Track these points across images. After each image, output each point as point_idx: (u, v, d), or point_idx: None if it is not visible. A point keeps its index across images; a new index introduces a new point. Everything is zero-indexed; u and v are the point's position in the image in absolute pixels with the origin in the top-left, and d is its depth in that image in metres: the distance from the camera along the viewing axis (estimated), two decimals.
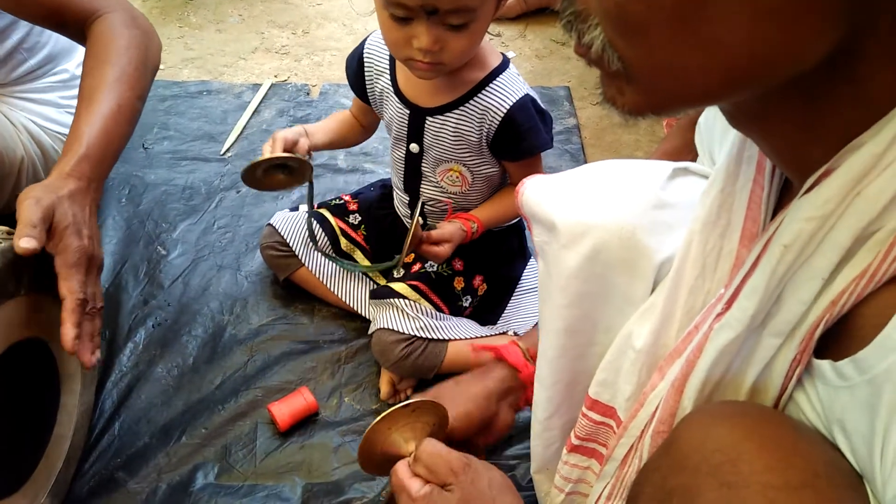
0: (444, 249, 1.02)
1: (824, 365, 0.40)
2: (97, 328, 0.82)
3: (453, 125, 1.00)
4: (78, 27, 0.99)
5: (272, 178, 1.05)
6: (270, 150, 1.02)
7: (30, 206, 0.75)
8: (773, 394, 0.45)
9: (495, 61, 0.99)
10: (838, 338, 0.40)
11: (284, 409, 1.04)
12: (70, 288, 0.76)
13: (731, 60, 0.34)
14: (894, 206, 0.36)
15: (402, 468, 0.65)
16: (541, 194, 0.62)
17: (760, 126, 0.42)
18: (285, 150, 1.01)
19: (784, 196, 0.48)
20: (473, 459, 0.63)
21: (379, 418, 0.66)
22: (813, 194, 0.39)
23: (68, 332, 0.75)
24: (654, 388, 0.52)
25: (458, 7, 0.82)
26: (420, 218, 1.10)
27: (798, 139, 0.40)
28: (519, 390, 0.82)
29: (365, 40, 1.06)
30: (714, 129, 0.62)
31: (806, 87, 0.36)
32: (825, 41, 0.33)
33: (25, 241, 0.72)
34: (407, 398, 1.09)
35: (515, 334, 1.14)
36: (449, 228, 1.03)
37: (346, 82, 1.11)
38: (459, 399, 0.78)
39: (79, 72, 1.22)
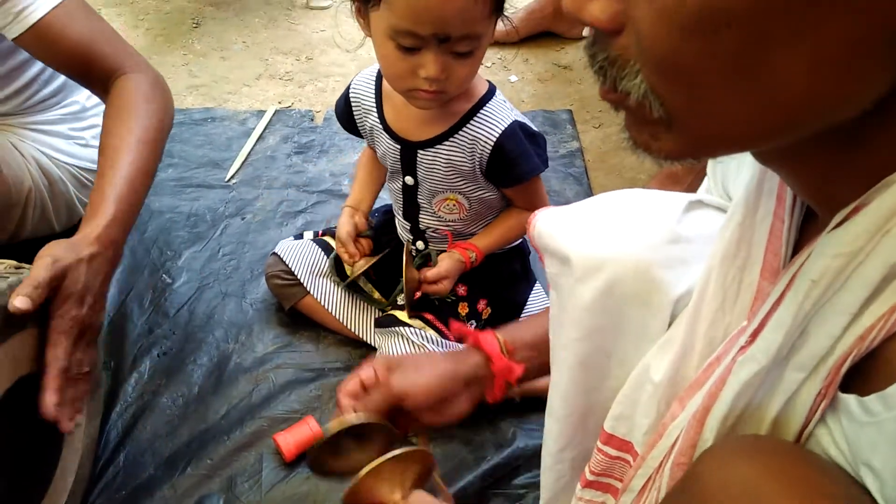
0: (444, 286, 1.03)
1: (850, 400, 0.40)
2: (81, 393, 0.82)
3: (445, 157, 1.00)
4: (102, 82, 1.01)
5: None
6: (347, 253, 1.09)
7: (44, 265, 0.77)
8: (795, 428, 0.44)
9: (482, 90, 1.00)
10: (865, 373, 0.40)
11: (290, 439, 1.03)
12: (55, 355, 0.78)
13: (785, 109, 0.33)
14: None
15: None
16: (554, 227, 0.62)
17: (791, 164, 0.42)
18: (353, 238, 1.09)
19: (806, 228, 0.48)
20: None
21: (365, 471, 0.64)
22: (842, 230, 0.38)
23: (49, 398, 0.76)
24: (675, 418, 0.52)
25: (468, 33, 0.83)
26: (415, 257, 1.10)
27: (829, 176, 0.40)
28: (487, 381, 0.79)
29: (350, 84, 1.08)
30: (729, 163, 0.62)
31: (844, 129, 0.36)
32: (876, 88, 0.33)
33: (20, 301, 0.73)
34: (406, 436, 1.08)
35: None
36: (445, 264, 1.03)
37: None
38: (424, 370, 0.75)
39: (90, 103, 1.24)
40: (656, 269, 0.57)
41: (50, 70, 1.15)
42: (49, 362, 0.77)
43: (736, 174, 0.60)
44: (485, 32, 0.85)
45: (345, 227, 1.10)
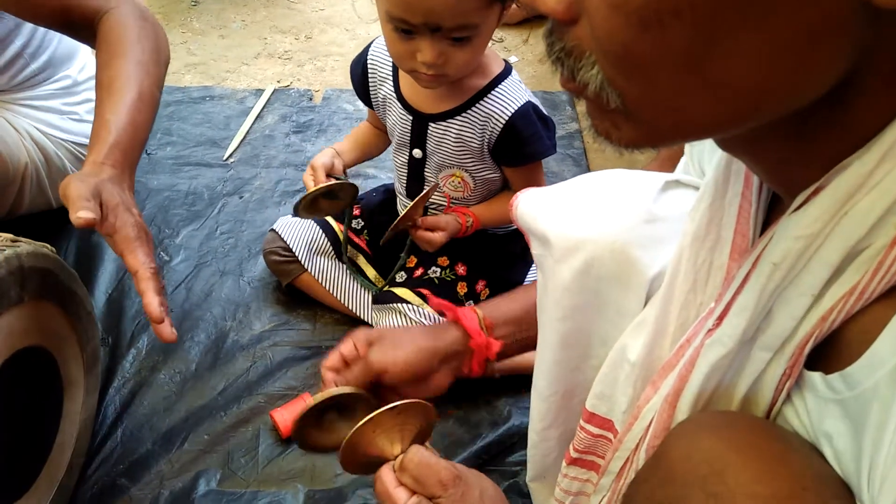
0: (438, 237, 1.03)
1: (815, 376, 0.40)
2: (165, 303, 0.81)
3: (456, 131, 1.00)
4: (86, 26, 0.98)
5: (317, 206, 1.08)
6: (313, 180, 1.05)
7: (77, 185, 0.75)
8: (763, 407, 0.45)
9: (497, 68, 1.00)
10: (829, 351, 0.40)
11: (286, 416, 1.04)
12: (140, 260, 0.77)
13: (740, 97, 0.33)
14: (882, 225, 0.36)
15: (387, 475, 0.62)
16: (534, 208, 0.62)
17: (751, 150, 0.42)
18: (326, 176, 1.05)
19: (773, 210, 0.48)
20: (463, 469, 0.61)
21: (364, 421, 0.63)
22: (802, 212, 0.39)
23: (152, 300, 0.75)
24: (648, 401, 0.53)
25: (460, 24, 0.83)
26: (422, 200, 1.10)
27: (788, 160, 0.40)
28: (465, 356, 0.78)
29: (369, 46, 1.08)
30: (704, 141, 0.62)
31: (800, 114, 0.36)
32: (831, 75, 0.33)
33: (83, 212, 0.72)
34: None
35: None
36: (445, 217, 1.05)
37: (350, 87, 1.13)
38: (403, 345, 0.75)
39: (81, 77, 1.23)
40: (632, 248, 0.57)
41: (35, 44, 1.13)
42: (138, 268, 0.76)
43: (711, 152, 0.60)
44: (481, 22, 0.85)
45: (323, 157, 1.08)
